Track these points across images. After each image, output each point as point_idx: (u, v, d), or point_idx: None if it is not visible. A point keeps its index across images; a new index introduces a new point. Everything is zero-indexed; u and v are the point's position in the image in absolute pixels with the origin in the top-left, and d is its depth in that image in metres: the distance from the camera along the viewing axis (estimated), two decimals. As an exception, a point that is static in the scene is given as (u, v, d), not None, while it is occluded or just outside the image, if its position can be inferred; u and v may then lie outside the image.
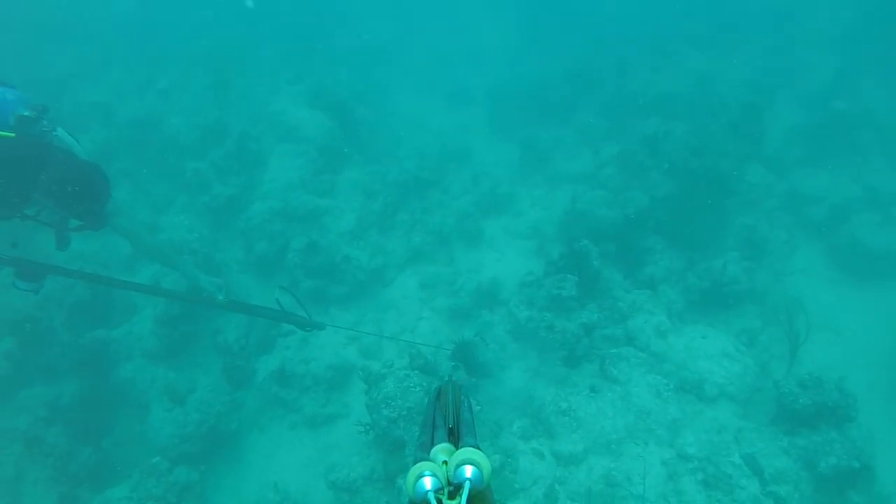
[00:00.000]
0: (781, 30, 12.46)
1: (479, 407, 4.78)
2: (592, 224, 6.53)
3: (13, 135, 3.41)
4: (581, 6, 15.17)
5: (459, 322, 6.32)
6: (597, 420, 4.59)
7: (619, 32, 12.95)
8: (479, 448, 1.03)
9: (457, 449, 1.05)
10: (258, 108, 9.30)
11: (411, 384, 4.60)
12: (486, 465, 0.98)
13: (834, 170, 8.06)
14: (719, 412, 4.80)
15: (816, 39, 12.08)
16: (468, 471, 0.96)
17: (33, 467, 5.10)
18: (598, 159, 8.35)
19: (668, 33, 12.43)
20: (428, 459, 1.03)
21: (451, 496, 0.95)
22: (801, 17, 13.05)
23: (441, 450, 1.08)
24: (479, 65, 14.17)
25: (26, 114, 3.47)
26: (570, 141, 9.93)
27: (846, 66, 10.84)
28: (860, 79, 10.52)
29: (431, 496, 0.92)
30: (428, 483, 0.94)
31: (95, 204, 3.73)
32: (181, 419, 5.31)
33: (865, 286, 6.58)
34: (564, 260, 5.79)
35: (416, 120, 11.31)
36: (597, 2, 15.48)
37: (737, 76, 10.71)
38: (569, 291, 5.41)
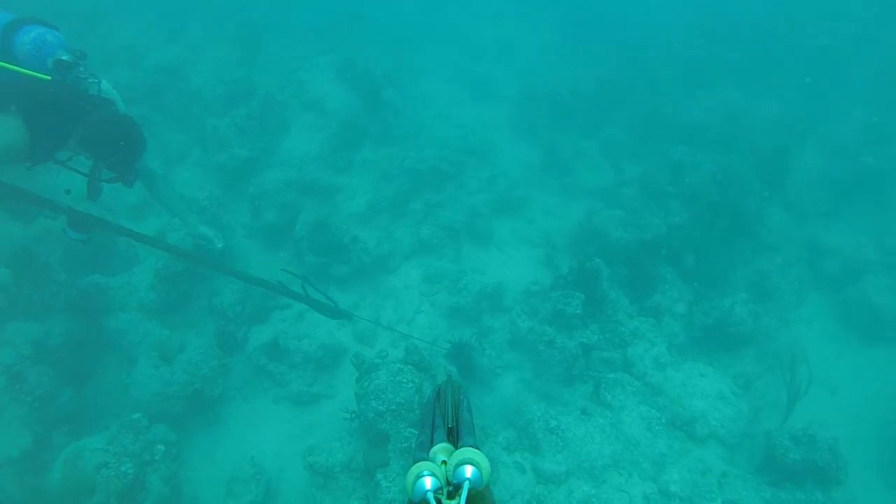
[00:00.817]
0: (820, 74, 12.27)
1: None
2: (606, 243, 6.46)
3: (49, 78, 3.32)
4: (623, 19, 14.95)
5: (458, 321, 6.25)
6: (584, 443, 4.54)
7: (658, 52, 12.76)
8: (478, 448, 1.02)
9: (456, 449, 1.04)
10: (286, 73, 9.16)
11: (404, 379, 4.54)
12: (486, 466, 0.98)
13: (854, 225, 7.97)
14: (707, 453, 4.77)
15: (854, 90, 11.92)
16: (468, 471, 0.96)
17: (12, 404, 5.03)
18: (619, 177, 8.27)
19: (707, 61, 12.25)
20: (427, 459, 1.02)
21: (451, 496, 0.95)
22: (843, 66, 12.86)
23: (440, 450, 1.08)
24: (510, 61, 13.99)
25: (65, 58, 3.37)
26: (593, 153, 9.81)
27: (880, 121, 10.70)
28: (892, 136, 10.39)
29: (431, 496, 0.92)
30: (428, 483, 0.94)
31: (129, 157, 3.62)
32: (167, 377, 5.24)
33: (869, 348, 6.52)
34: (574, 275, 5.72)
35: (440, 108, 11.16)
36: (639, 18, 15.25)
37: (769, 114, 10.57)
38: (574, 309, 5.34)
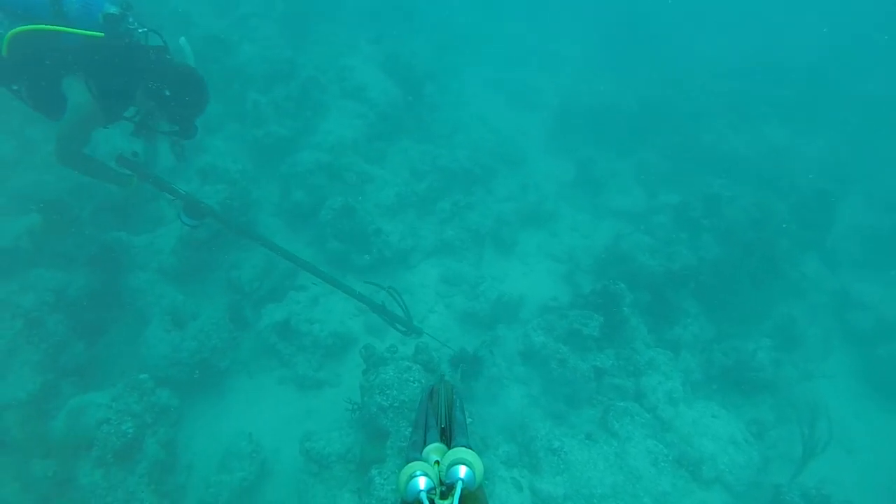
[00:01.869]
0: (873, 121, 11.87)
1: (470, 419, 4.65)
2: (631, 268, 6.31)
3: (102, 34, 3.31)
4: (672, 43, 14.71)
5: (471, 326, 6.18)
6: (585, 469, 4.42)
7: (705, 79, 12.51)
8: (471, 448, 1.01)
9: (449, 449, 1.03)
10: (330, 57, 9.17)
11: (411, 378, 4.48)
12: (479, 466, 0.97)
13: (891, 282, 7.66)
14: (711, 497, 4.60)
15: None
16: (461, 471, 0.95)
17: (27, 347, 5.09)
18: (652, 203, 8.10)
19: (754, 94, 11.96)
20: (420, 459, 1.02)
21: (444, 496, 0.94)
22: (897, 115, 12.43)
23: (433, 450, 1.07)
24: (553, 73, 13.87)
25: (113, 11, 3.35)
26: (628, 175, 9.66)
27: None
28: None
29: (424, 496, 0.91)
30: (421, 483, 0.93)
31: (195, 111, 3.57)
32: (177, 343, 5.26)
33: (892, 411, 6.26)
34: (595, 297, 5.59)
35: (478, 110, 11.11)
36: (689, 43, 15.00)
37: (814, 156, 10.28)
38: (591, 331, 5.22)
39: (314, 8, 10.69)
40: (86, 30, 3.32)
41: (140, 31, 3.61)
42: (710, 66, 13.21)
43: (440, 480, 0.97)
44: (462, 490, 0.93)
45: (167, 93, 3.42)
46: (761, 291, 6.47)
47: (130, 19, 3.54)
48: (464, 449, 1.00)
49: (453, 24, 14.15)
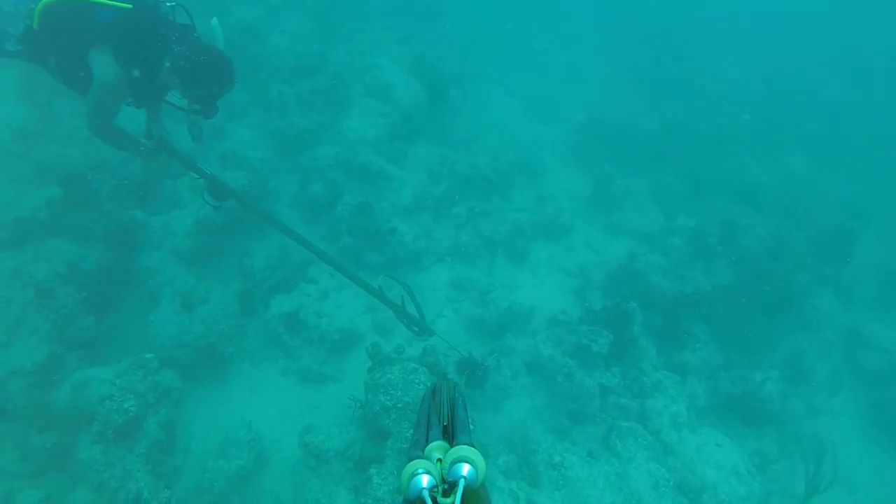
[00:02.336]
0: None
1: (472, 426, 4.61)
2: (643, 288, 6.26)
3: (130, 6, 3.32)
4: (698, 65, 14.64)
5: (478, 333, 6.15)
6: (585, 486, 4.37)
7: (730, 105, 12.44)
8: (473, 446, 1.01)
9: (451, 447, 1.03)
10: (358, 55, 9.22)
11: (416, 380, 4.46)
12: (481, 463, 0.97)
13: (904, 324, 7.57)
14: (710, 527, 4.54)
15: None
16: (464, 469, 0.95)
17: (36, 317, 5.11)
18: (668, 224, 8.05)
19: (778, 124, 11.88)
20: (422, 457, 1.02)
21: (446, 494, 0.94)
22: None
23: (436, 448, 1.07)
24: (577, 87, 13.85)
25: None
26: (644, 194, 9.62)
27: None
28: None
29: (426, 494, 0.91)
30: (424, 481, 0.93)
31: (219, 91, 3.54)
32: (185, 325, 5.27)
33: (897, 455, 6.17)
34: (606, 314, 5.55)
35: (499, 118, 11.11)
36: (716, 67, 14.92)
37: (834, 191, 10.20)
38: (600, 348, 5.18)
39: (344, 5, 10.77)
40: (114, 1, 3.33)
41: (168, 3, 3.62)
42: (735, 91, 13.14)
43: (443, 478, 0.97)
44: (465, 488, 0.93)
45: (193, 70, 3.40)
46: (773, 322, 6.40)
47: None
48: (466, 447, 1.00)
49: (480, 31, 14.18)
